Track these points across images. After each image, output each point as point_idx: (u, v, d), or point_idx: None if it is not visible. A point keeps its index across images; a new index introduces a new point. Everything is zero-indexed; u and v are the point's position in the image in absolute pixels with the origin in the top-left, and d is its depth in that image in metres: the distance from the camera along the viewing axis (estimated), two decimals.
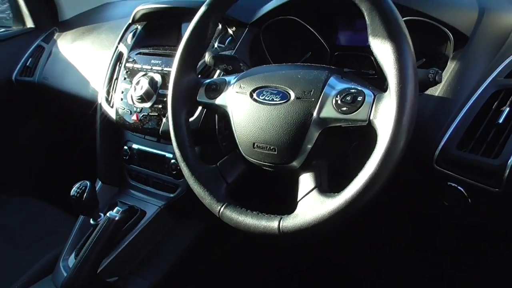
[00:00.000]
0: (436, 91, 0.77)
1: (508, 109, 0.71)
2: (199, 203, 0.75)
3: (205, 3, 0.77)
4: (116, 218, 0.89)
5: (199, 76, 0.96)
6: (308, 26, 0.98)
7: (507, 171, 0.67)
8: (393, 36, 0.59)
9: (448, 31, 0.79)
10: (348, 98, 0.64)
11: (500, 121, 0.70)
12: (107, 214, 0.90)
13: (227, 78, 0.79)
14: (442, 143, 0.74)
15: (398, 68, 0.58)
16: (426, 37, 0.85)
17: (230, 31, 1.03)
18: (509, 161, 0.67)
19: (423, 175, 0.79)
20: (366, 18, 0.62)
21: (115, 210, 0.91)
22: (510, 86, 0.73)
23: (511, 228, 0.74)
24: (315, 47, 1.01)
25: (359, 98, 0.64)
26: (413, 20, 0.82)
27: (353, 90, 0.65)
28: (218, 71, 0.97)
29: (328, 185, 0.68)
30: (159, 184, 1.11)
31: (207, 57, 0.89)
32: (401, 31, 0.59)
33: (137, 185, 1.16)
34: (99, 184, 1.18)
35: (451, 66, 0.78)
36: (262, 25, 1.01)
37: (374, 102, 0.62)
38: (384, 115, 0.60)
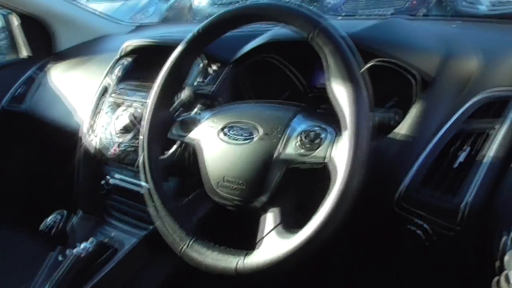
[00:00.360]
0: (401, 132, 0.80)
1: (468, 149, 0.73)
2: None
3: (182, 42, 0.81)
4: (82, 255, 0.89)
5: (180, 109, 0.99)
6: (285, 67, 1.02)
7: (464, 210, 0.68)
8: (349, 80, 0.62)
9: (413, 74, 0.83)
10: (310, 137, 0.67)
11: (460, 161, 0.73)
12: (74, 251, 0.90)
13: (202, 114, 0.82)
14: (404, 183, 0.76)
15: (353, 111, 0.61)
16: (397, 78, 0.88)
17: (212, 68, 1.07)
18: (464, 201, 0.69)
19: (385, 218, 0.80)
20: (327, 61, 0.65)
21: (82, 246, 0.91)
22: (470, 128, 0.76)
23: (469, 270, 0.74)
24: (294, 86, 1.04)
25: (320, 137, 0.66)
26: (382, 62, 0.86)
27: (316, 129, 0.68)
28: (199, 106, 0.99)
29: (294, 223, 0.69)
30: (137, 216, 1.11)
31: (187, 93, 0.92)
32: (357, 77, 0.62)
33: (116, 216, 1.16)
34: (79, 213, 1.19)
35: (416, 108, 0.81)
36: (243, 64, 1.05)
37: (334, 142, 0.65)
38: (340, 155, 0.62)
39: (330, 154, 0.64)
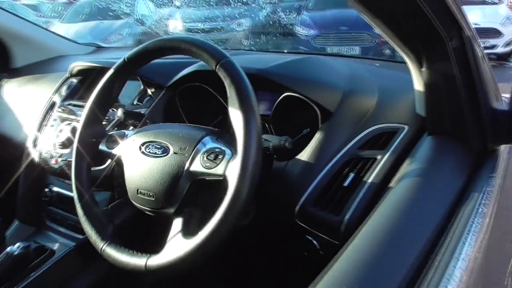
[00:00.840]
0: (303, 157, 0.91)
1: (353, 174, 0.85)
2: None
3: (112, 67, 0.91)
4: (15, 253, 0.95)
5: (116, 128, 1.08)
6: (216, 93, 1.13)
7: (343, 226, 0.79)
8: (242, 110, 0.73)
9: (316, 107, 0.95)
10: (212, 155, 0.77)
11: (346, 184, 0.84)
12: (7, 249, 0.96)
13: (126, 132, 0.91)
14: (301, 201, 0.87)
15: (244, 135, 0.72)
16: (310, 111, 1.01)
17: (149, 91, 1.17)
18: (345, 217, 0.80)
19: (287, 228, 0.91)
20: (227, 91, 0.76)
21: (16, 245, 0.97)
22: (359, 156, 0.88)
23: None
24: (226, 111, 1.15)
25: (220, 156, 0.77)
26: (293, 95, 0.98)
27: (217, 149, 0.78)
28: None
29: (196, 229, 0.78)
30: (72, 225, 1.18)
31: (119, 113, 1.01)
32: (249, 107, 0.73)
33: (53, 226, 1.22)
34: (16, 223, 1.24)
35: (317, 137, 0.93)
36: (177, 89, 1.15)
37: (230, 161, 0.75)
38: (232, 172, 0.72)
39: (227, 171, 0.74)
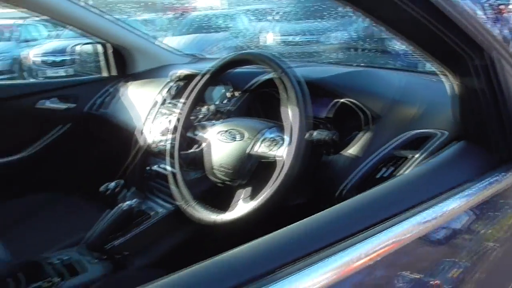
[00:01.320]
0: (349, 151, 1.11)
1: (391, 169, 1.02)
2: None
3: (208, 73, 1.20)
4: (124, 208, 1.28)
5: (206, 120, 1.37)
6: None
7: None
8: (294, 108, 0.96)
9: (364, 112, 1.13)
10: (272, 142, 1.02)
11: (382, 175, 1.02)
12: (119, 205, 1.29)
13: (211, 123, 1.20)
14: (341, 187, 1.06)
15: (293, 128, 0.95)
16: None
17: (236, 93, 1.45)
18: None
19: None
20: (283, 93, 1.00)
21: (125, 203, 1.30)
22: (394, 155, 1.05)
23: None
24: None
25: (278, 143, 1.01)
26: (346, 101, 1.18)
27: (274, 138, 1.02)
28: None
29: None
30: (169, 195, 1.49)
31: (211, 108, 1.31)
32: (299, 107, 0.96)
33: (155, 195, 1.55)
34: (133, 189, 1.59)
35: (363, 136, 1.11)
36: (256, 92, 1.41)
37: (282, 146, 0.99)
38: (285, 154, 0.95)
39: (282, 153, 0.98)
